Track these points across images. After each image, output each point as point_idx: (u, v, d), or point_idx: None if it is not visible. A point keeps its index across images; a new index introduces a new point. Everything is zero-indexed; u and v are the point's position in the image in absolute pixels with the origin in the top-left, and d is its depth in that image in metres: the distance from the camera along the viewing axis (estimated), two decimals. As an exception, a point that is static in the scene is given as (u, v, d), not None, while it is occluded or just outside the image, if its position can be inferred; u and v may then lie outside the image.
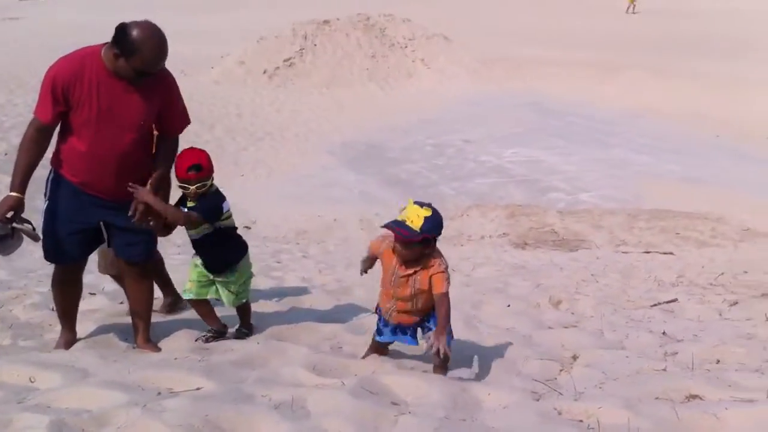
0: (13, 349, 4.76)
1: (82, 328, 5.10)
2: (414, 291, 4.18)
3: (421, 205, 4.01)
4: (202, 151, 4.74)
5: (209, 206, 4.75)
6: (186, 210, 4.72)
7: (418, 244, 4.02)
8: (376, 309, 4.52)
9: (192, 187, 4.60)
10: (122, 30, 4.15)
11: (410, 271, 4.15)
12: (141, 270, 4.84)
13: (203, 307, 5.10)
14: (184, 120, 4.76)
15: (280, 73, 27.18)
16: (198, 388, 3.84)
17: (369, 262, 4.49)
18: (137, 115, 4.37)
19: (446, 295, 4.13)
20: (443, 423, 3.46)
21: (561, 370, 4.60)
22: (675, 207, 14.68)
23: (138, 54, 4.14)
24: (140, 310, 4.90)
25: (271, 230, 13.03)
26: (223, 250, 4.93)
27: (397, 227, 3.98)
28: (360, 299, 6.46)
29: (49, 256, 4.65)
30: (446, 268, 4.15)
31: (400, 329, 4.41)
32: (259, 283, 7.49)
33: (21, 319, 5.51)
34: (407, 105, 24.77)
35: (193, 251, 5.03)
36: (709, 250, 11.72)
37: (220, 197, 4.82)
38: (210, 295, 5.06)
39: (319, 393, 3.79)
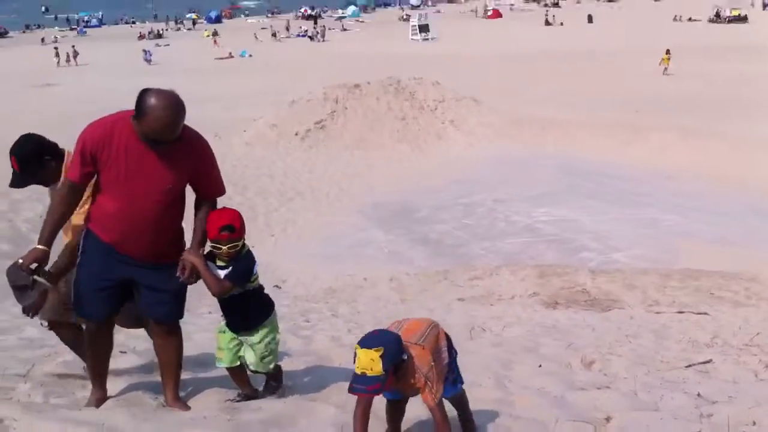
0: (45, 406, 4.77)
1: (113, 386, 5.11)
2: (405, 396, 4.11)
3: (369, 346, 3.64)
4: (235, 211, 4.71)
5: (242, 270, 4.71)
6: (215, 266, 4.69)
7: (394, 374, 3.71)
8: None
9: (224, 248, 4.55)
10: (140, 95, 4.25)
11: (390, 384, 3.81)
12: (169, 328, 4.84)
13: (237, 373, 5.02)
14: (216, 187, 4.75)
15: (311, 134, 27.55)
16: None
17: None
18: (164, 180, 4.40)
19: (439, 407, 3.89)
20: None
21: (594, 433, 4.53)
22: (707, 266, 14.51)
23: (146, 120, 4.18)
24: (168, 367, 4.89)
25: (301, 289, 13.07)
26: (249, 309, 4.87)
27: (364, 385, 3.62)
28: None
29: (78, 310, 4.73)
30: (427, 374, 3.82)
31: None
32: (287, 341, 7.51)
33: (52, 377, 5.54)
34: (437, 166, 24.94)
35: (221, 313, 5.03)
36: (743, 310, 11.53)
37: (251, 260, 4.79)
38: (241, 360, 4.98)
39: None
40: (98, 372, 4.92)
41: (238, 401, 4.98)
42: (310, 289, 13.19)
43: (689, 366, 6.71)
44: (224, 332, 4.90)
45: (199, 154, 4.54)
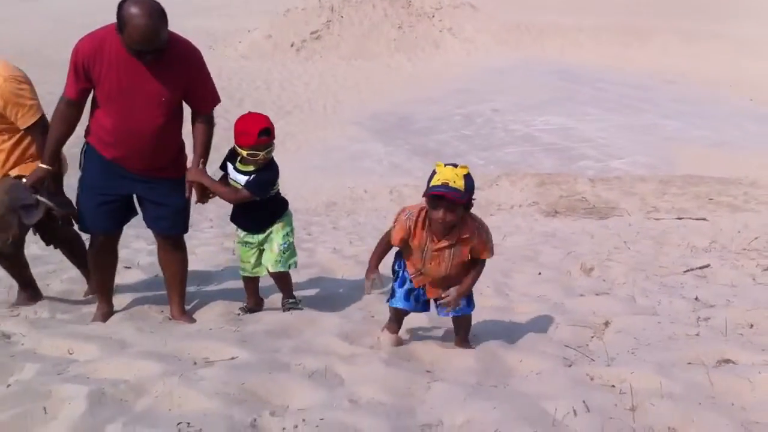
0: (52, 322, 4.84)
1: (118, 301, 5.18)
2: (449, 265, 3.94)
3: (454, 165, 3.71)
4: (264, 115, 4.68)
5: (266, 180, 4.69)
6: (235, 171, 4.68)
7: (461, 207, 3.72)
8: (394, 268, 4.23)
9: (262, 153, 4.51)
10: (119, 6, 4.12)
11: (445, 243, 3.87)
12: (173, 242, 4.88)
13: (252, 283, 5.10)
14: (211, 98, 4.66)
15: (307, 45, 27.16)
16: (233, 358, 3.90)
17: (380, 259, 4.13)
18: (157, 93, 4.33)
19: (484, 262, 4.04)
20: (475, 389, 3.50)
21: (592, 337, 4.61)
22: (707, 172, 14.52)
23: (127, 30, 4.07)
24: (174, 281, 4.96)
25: (301, 203, 13.09)
26: (265, 215, 4.84)
27: (447, 190, 3.59)
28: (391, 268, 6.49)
29: (82, 225, 4.76)
30: (488, 232, 3.96)
31: (415, 296, 4.16)
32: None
33: (58, 293, 5.60)
34: (435, 75, 24.65)
35: (232, 223, 5.02)
36: (742, 215, 11.58)
37: (275, 170, 4.75)
38: (264, 273, 5.03)
39: (352, 361, 3.85)
40: (104, 286, 4.98)
41: (241, 315, 5.05)
42: (310, 203, 13.22)
43: (687, 271, 6.77)
44: (244, 245, 4.93)
45: (192, 64, 4.44)
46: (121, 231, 4.91)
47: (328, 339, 4.32)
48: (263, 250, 4.91)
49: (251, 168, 4.64)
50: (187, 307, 5.09)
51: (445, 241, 3.86)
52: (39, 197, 4.46)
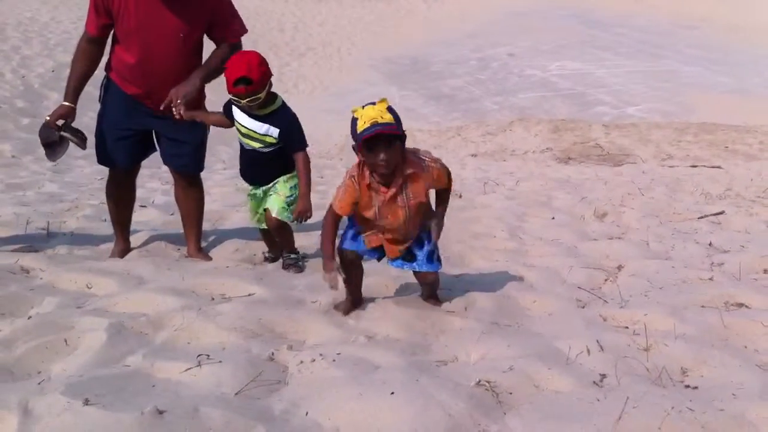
0: (70, 258, 4.88)
1: (135, 238, 5.21)
2: (408, 210, 3.54)
3: (373, 103, 3.36)
4: (254, 56, 4.23)
5: (296, 129, 4.45)
6: (248, 117, 4.38)
7: (398, 139, 3.35)
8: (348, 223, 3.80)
9: (243, 101, 4.23)
10: None
11: (394, 190, 3.48)
12: (189, 180, 4.89)
13: (267, 234, 4.93)
14: (235, 28, 4.54)
15: (321, -14, 26.84)
16: (250, 294, 3.95)
17: (333, 242, 3.64)
18: (176, 28, 4.29)
19: (450, 190, 3.69)
20: (490, 328, 3.53)
21: (606, 280, 4.63)
22: (724, 120, 14.38)
23: None
24: (190, 219, 4.97)
25: (315, 146, 13.02)
26: (275, 167, 4.56)
27: (377, 128, 3.25)
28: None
29: (99, 159, 4.76)
30: (436, 158, 3.61)
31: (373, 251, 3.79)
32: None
33: (75, 229, 5.65)
34: (451, 18, 24.34)
35: (241, 174, 4.80)
36: (757, 164, 11.51)
37: (292, 114, 4.50)
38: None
39: (368, 299, 3.88)
40: (121, 222, 5.00)
41: (266, 262, 4.99)
42: (323, 146, 13.21)
43: (701, 217, 6.76)
44: (252, 196, 4.74)
45: (216, 4, 4.41)
46: (138, 167, 4.93)
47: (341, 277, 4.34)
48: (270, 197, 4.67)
49: (263, 111, 4.38)
50: (204, 245, 5.13)
51: (392, 187, 3.48)
52: (63, 133, 4.46)
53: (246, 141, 4.48)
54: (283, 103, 4.48)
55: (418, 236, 3.71)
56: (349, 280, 3.74)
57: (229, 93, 4.26)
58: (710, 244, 5.56)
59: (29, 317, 3.55)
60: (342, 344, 3.25)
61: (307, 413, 2.65)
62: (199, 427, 2.49)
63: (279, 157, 4.50)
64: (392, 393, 2.72)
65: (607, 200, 7.77)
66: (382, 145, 3.30)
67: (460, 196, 7.60)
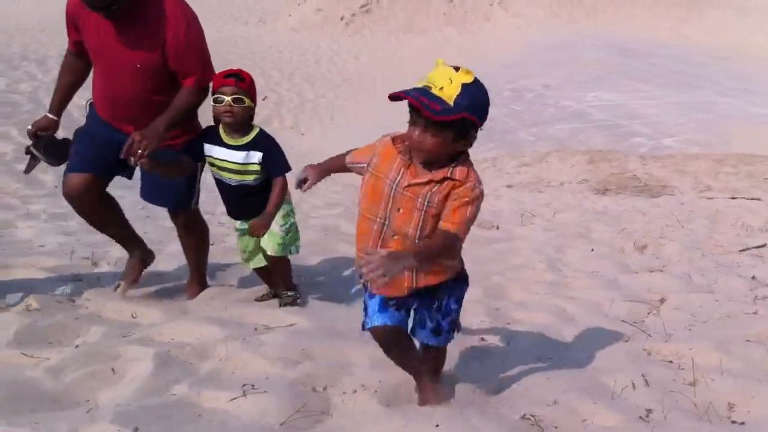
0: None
1: (174, 268, 5.23)
2: (423, 216, 2.63)
3: (456, 68, 2.53)
4: (247, 72, 4.08)
5: (278, 152, 4.09)
6: (220, 148, 4.04)
7: (449, 128, 2.48)
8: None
9: (227, 98, 3.87)
10: None
11: (424, 178, 2.61)
12: (183, 218, 4.52)
13: (260, 272, 4.58)
14: (195, 70, 4.00)
15: (356, 19, 27.15)
16: (292, 324, 3.98)
17: (321, 173, 3.20)
18: (131, 58, 3.89)
19: (458, 239, 2.60)
20: (533, 361, 3.52)
21: (649, 313, 4.59)
22: (762, 151, 14.21)
23: None
24: (188, 256, 4.70)
25: (351, 177, 13.00)
26: (261, 197, 4.14)
27: (421, 96, 2.43)
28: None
29: (67, 167, 4.28)
30: (482, 192, 2.62)
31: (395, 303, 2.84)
32: (342, 227, 7.64)
33: (119, 259, 5.72)
34: (485, 49, 24.44)
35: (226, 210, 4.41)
36: (798, 196, 11.35)
37: (271, 139, 4.14)
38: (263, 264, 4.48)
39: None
40: (120, 238, 4.66)
41: (287, 303, 4.49)
42: (358, 177, 13.25)
43: (743, 250, 6.68)
44: (243, 234, 4.36)
45: (170, 27, 3.86)
46: (103, 180, 4.28)
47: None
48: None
49: (241, 141, 4.04)
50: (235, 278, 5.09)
51: (425, 173, 2.62)
52: (31, 148, 4.25)
53: (225, 175, 4.13)
54: (261, 129, 4.14)
55: (446, 299, 2.86)
56: (398, 361, 3.01)
57: (215, 90, 3.94)
58: (753, 278, 5.50)
59: (76, 346, 3.61)
60: (383, 373, 3.25)
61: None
62: (247, 457, 2.51)
63: (267, 188, 4.13)
64: (437, 425, 2.72)
65: (646, 232, 7.70)
66: (423, 121, 2.48)
67: (498, 228, 7.59)
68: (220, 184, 4.21)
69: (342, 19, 27.02)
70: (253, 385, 3.05)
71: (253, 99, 4.01)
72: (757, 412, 2.98)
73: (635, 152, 14.77)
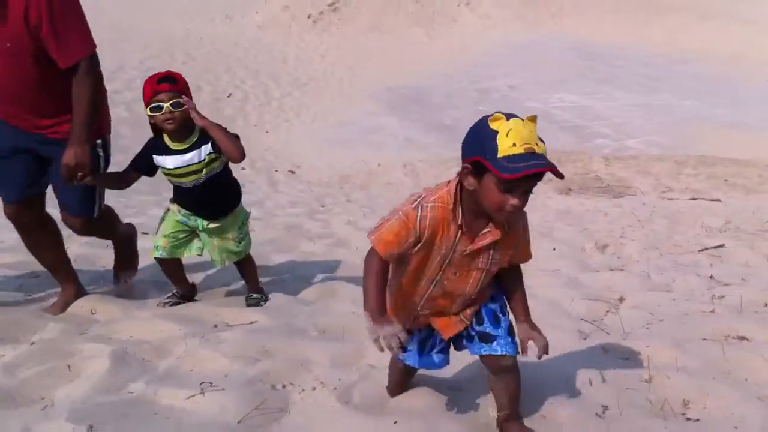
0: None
1: (144, 264, 5.04)
2: (484, 276, 2.59)
3: (518, 117, 2.31)
4: (177, 72, 3.98)
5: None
6: (168, 158, 3.94)
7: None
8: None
9: (166, 105, 3.76)
10: None
11: (487, 241, 2.49)
12: (78, 224, 4.10)
13: (172, 266, 4.29)
14: (70, 46, 3.57)
15: (324, 17, 27.08)
16: (252, 322, 3.96)
17: (381, 294, 2.49)
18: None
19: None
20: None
21: (608, 311, 4.63)
22: (723, 153, 14.45)
23: None
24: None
25: (315, 175, 13.12)
26: (223, 197, 4.18)
27: (540, 161, 2.22)
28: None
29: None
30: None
31: (432, 344, 2.82)
32: (306, 225, 7.62)
33: (77, 255, 5.65)
34: (452, 50, 24.54)
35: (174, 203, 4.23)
36: (756, 197, 11.53)
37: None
38: (188, 254, 4.28)
39: (364, 322, 3.89)
40: (52, 267, 4.28)
41: (172, 304, 4.35)
42: (324, 175, 13.24)
43: (702, 250, 6.77)
44: (177, 222, 4.17)
45: (35, 4, 3.43)
46: (37, 197, 4.01)
47: (344, 305, 4.37)
48: (201, 240, 4.25)
49: (189, 142, 3.94)
50: (202, 275, 5.05)
51: (485, 236, 2.49)
52: None
53: (189, 179, 4.01)
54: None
55: (490, 309, 2.73)
56: (402, 386, 3.04)
57: (150, 99, 3.81)
58: (711, 277, 5.57)
59: (32, 343, 3.56)
60: (344, 371, 3.25)
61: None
62: (203, 455, 2.49)
63: (226, 184, 4.16)
64: (395, 422, 2.73)
65: (607, 232, 7.79)
66: (528, 186, 2.31)
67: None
68: (183, 191, 4.07)
69: (309, 17, 26.94)
70: (211, 383, 3.03)
71: (190, 98, 3.91)
72: (712, 409, 3.02)
73: (599, 153, 14.93)
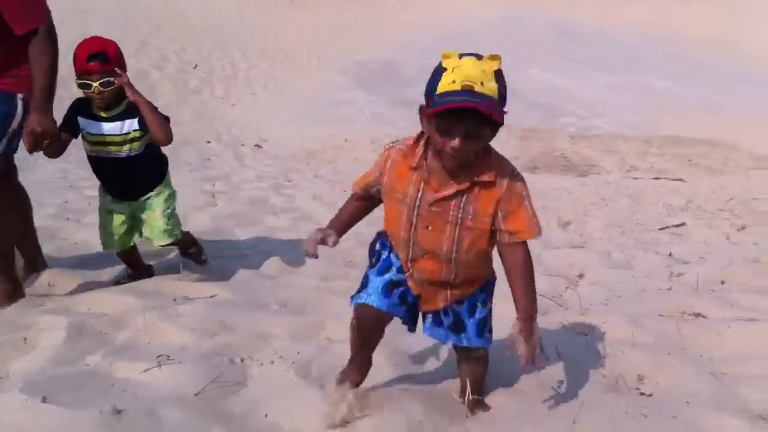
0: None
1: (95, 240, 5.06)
2: (459, 233, 2.39)
3: (478, 56, 2.19)
4: (110, 41, 3.75)
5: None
6: (93, 122, 3.78)
7: (487, 127, 2.20)
8: (374, 247, 2.68)
9: (95, 84, 3.62)
10: None
11: (452, 190, 2.34)
12: None
13: (129, 254, 4.22)
14: (27, 11, 3.46)
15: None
16: (212, 296, 3.95)
17: (342, 220, 2.67)
18: None
19: (526, 248, 2.47)
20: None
21: (567, 287, 4.68)
22: (693, 134, 14.61)
23: None
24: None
25: (282, 149, 13.03)
26: (145, 173, 4.00)
27: (472, 99, 2.08)
28: (374, 217, 6.53)
29: None
30: (521, 176, 2.43)
31: (401, 294, 2.57)
32: (270, 198, 7.59)
33: (38, 227, 5.57)
34: (426, 23, 24.44)
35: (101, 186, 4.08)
36: (720, 178, 11.71)
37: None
38: (136, 240, 4.17)
39: (329, 301, 3.90)
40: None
41: (126, 282, 4.25)
42: (291, 149, 13.16)
43: (663, 228, 6.87)
44: (111, 212, 4.04)
45: None
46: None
47: (307, 280, 4.37)
48: (137, 220, 4.09)
49: (115, 111, 3.79)
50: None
51: (452, 185, 2.34)
52: None
53: (109, 149, 3.84)
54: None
55: (472, 296, 2.59)
56: (363, 345, 2.69)
57: (78, 74, 3.66)
58: (670, 255, 5.65)
59: (-12, 315, 3.52)
60: (302, 345, 3.25)
61: (266, 415, 2.65)
62: (157, 427, 2.49)
63: (150, 161, 3.97)
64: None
65: (571, 209, 7.86)
66: (464, 126, 2.16)
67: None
68: (100, 162, 3.89)
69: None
70: (168, 356, 3.01)
71: (123, 69, 3.75)
72: (665, 384, 3.07)
73: (566, 131, 15.02)
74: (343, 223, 2.66)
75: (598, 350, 3.34)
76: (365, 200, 2.63)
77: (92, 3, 20.17)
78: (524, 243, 2.44)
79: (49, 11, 3.60)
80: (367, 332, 2.61)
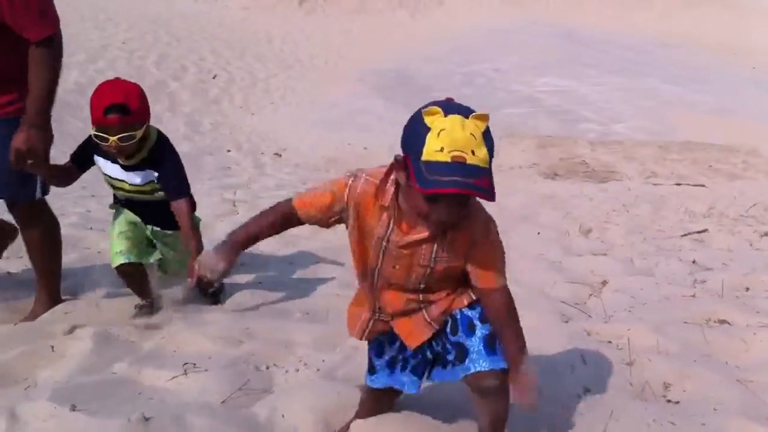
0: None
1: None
2: (429, 275, 2.25)
3: (463, 113, 1.99)
4: (133, 86, 3.40)
5: (176, 171, 3.57)
6: (112, 165, 3.56)
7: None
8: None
9: (113, 138, 3.30)
10: None
11: (422, 235, 2.16)
12: (19, 213, 3.72)
13: (136, 275, 3.79)
14: (31, 15, 3.21)
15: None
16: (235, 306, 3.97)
17: (236, 253, 2.45)
18: None
19: (506, 290, 2.30)
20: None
21: (590, 295, 4.66)
22: (707, 139, 14.53)
23: None
24: (34, 264, 3.80)
25: (301, 157, 13.06)
26: (167, 210, 3.65)
27: (467, 179, 1.87)
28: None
29: None
30: (493, 222, 2.28)
31: (402, 362, 2.48)
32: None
33: (63, 236, 5.61)
34: (437, 33, 24.48)
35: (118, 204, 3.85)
36: (740, 183, 11.62)
37: (172, 149, 3.61)
38: (152, 260, 3.86)
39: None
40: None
41: (145, 313, 3.82)
42: (309, 158, 13.20)
43: (685, 235, 6.82)
44: (133, 223, 3.77)
45: None
46: None
47: (329, 289, 4.38)
48: (153, 245, 3.86)
49: (134, 160, 3.54)
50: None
51: (423, 229, 2.15)
52: None
53: (122, 194, 3.70)
54: (158, 136, 3.61)
55: (461, 312, 2.33)
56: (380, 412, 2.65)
57: (95, 125, 3.36)
58: (693, 262, 5.61)
59: (15, 324, 3.54)
60: (327, 353, 3.26)
61: (283, 416, 2.66)
62: (185, 435, 2.50)
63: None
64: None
65: (592, 216, 7.82)
66: (455, 203, 2.01)
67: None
68: (122, 199, 3.75)
69: (295, -2, 26.85)
70: (194, 364, 3.03)
71: (146, 120, 3.44)
72: (692, 392, 3.06)
73: (584, 138, 14.97)
74: (251, 237, 2.45)
75: (624, 358, 3.33)
76: (294, 223, 2.37)
77: (114, 15, 20.35)
78: (503, 287, 2.28)
79: (59, 21, 3.35)
80: (377, 405, 2.65)
